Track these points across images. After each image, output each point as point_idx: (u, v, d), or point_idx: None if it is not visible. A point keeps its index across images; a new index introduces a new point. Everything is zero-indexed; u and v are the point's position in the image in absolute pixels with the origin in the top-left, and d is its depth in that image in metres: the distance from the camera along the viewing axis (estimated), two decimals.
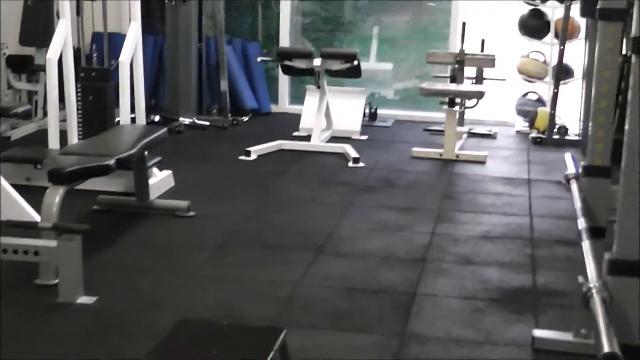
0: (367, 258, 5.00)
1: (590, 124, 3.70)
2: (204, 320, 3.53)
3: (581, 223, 3.41)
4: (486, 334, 4.06)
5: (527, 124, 8.48)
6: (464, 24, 8.33)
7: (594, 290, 2.62)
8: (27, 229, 4.38)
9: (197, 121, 8.50)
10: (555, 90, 8.02)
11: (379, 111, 8.99)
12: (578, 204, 3.57)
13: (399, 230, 5.52)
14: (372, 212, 5.89)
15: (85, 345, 3.82)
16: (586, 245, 3.16)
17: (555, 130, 8.06)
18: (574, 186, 3.80)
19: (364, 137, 8.20)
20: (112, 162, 4.69)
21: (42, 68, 7.04)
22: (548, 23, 8.59)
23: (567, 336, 3.90)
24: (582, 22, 8.14)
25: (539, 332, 3.98)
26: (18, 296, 4.29)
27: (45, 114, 6.06)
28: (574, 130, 8.02)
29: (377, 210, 5.95)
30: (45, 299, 4.25)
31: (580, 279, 2.74)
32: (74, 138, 6.06)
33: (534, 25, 8.64)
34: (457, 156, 7.39)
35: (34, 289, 4.37)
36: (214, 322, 3.52)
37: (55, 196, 4.40)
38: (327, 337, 3.97)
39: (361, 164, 7.05)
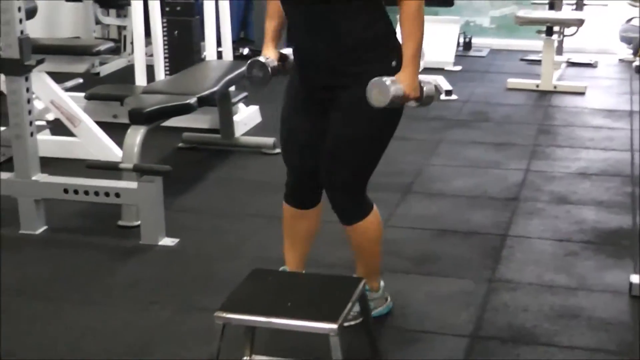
0: (457, 198, 4.83)
1: None
2: (280, 271, 3.42)
3: None
4: (580, 279, 3.86)
5: (630, 52, 8.08)
6: None
7: None
8: (110, 170, 4.32)
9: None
10: None
11: (473, 40, 8.70)
12: None
13: (491, 168, 5.32)
14: (464, 149, 5.69)
15: (165, 287, 3.77)
16: None
17: None
18: None
19: (458, 68, 7.95)
20: (193, 100, 4.59)
21: (129, 2, 6.97)
22: None
23: None
24: None
25: (637, 278, 3.75)
26: (101, 238, 4.27)
27: (134, 49, 5.97)
28: None
29: (469, 146, 5.75)
30: (128, 241, 4.21)
31: None
32: (160, 74, 5.99)
33: None
34: (555, 87, 7.11)
35: (116, 231, 4.34)
36: (290, 272, 3.41)
37: (136, 136, 4.33)
38: (413, 282, 3.83)
39: (454, 97, 6.82)
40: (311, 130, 3.20)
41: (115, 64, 7.73)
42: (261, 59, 3.20)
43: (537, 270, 3.94)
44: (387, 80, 2.91)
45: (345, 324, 2.70)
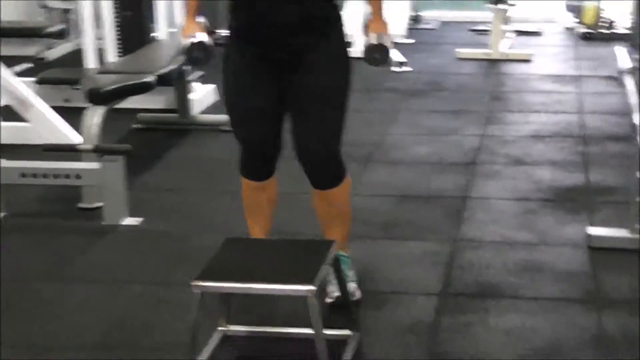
0: (417, 164, 4.90)
1: None
2: (253, 238, 3.46)
3: (637, 118, 3.27)
4: (540, 235, 3.96)
5: (576, 20, 8.21)
6: None
7: None
8: (67, 152, 4.29)
9: None
10: None
11: (424, 13, 8.78)
12: (633, 99, 3.41)
13: (448, 135, 5.41)
14: (421, 117, 5.77)
15: (135, 266, 3.79)
16: None
17: (604, 24, 7.81)
18: (628, 80, 3.64)
19: (410, 41, 8.01)
20: (152, 79, 4.59)
21: None
22: None
23: (622, 232, 3.79)
24: None
25: (593, 230, 3.87)
26: (62, 221, 4.26)
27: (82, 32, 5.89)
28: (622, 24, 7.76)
29: (426, 115, 5.83)
30: (91, 223, 4.21)
31: None
32: (111, 56, 5.94)
33: None
34: (504, 55, 7.20)
35: (77, 213, 4.33)
36: (263, 239, 3.45)
37: (95, 117, 4.32)
38: (381, 246, 3.90)
39: (408, 68, 6.88)
40: (265, 98, 3.19)
41: (62, 49, 7.62)
42: (200, 39, 3.20)
43: (499, 228, 4.04)
44: (375, 37, 3.16)
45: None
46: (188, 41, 3.20)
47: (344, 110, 3.22)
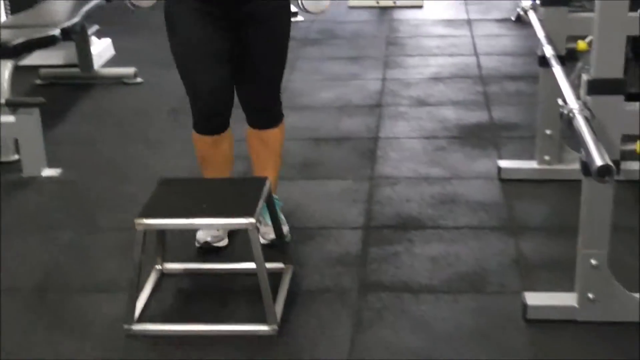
0: (324, 109, 5.02)
1: None
2: (188, 178, 3.53)
3: (548, 50, 3.44)
4: (453, 169, 4.14)
5: None
6: None
7: (575, 111, 2.67)
8: None
9: None
10: None
11: None
12: (541, 33, 3.59)
13: (350, 80, 5.53)
14: (321, 64, 5.87)
15: (63, 213, 3.82)
16: (558, 70, 3.19)
17: None
18: (532, 16, 3.82)
19: None
20: (57, 32, 4.56)
21: None
22: None
23: (531, 164, 3.99)
24: None
25: (504, 163, 4.07)
26: None
27: None
28: None
29: (326, 61, 5.93)
30: (9, 175, 4.19)
31: (560, 102, 2.77)
32: (2, 14, 5.84)
33: None
34: (394, 2, 7.34)
35: None
36: (197, 178, 3.52)
37: (5, 71, 4.29)
38: (301, 186, 4.01)
39: (300, 18, 6.96)
40: (219, 48, 3.20)
41: None
42: None
43: (412, 165, 4.20)
44: None
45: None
46: None
47: (285, 59, 3.35)
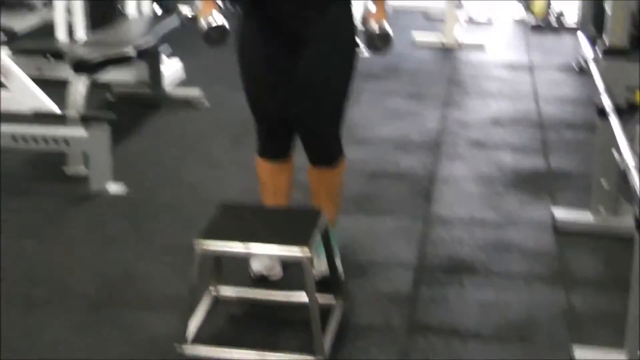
0: (383, 143, 5.10)
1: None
2: (246, 204, 3.63)
3: (606, 101, 3.49)
4: (507, 215, 4.19)
5: (525, 11, 8.42)
6: None
7: (630, 166, 2.71)
8: (53, 119, 4.40)
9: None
10: None
11: None
12: (600, 83, 3.64)
13: (410, 116, 5.61)
14: (382, 99, 5.97)
15: (120, 229, 3.95)
16: (615, 122, 3.24)
17: (553, 15, 8.10)
18: (592, 66, 3.87)
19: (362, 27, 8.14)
20: (133, 51, 4.72)
21: None
22: None
23: (586, 215, 4.03)
24: None
25: (558, 212, 4.11)
26: (49, 186, 4.39)
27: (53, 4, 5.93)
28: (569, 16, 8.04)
29: (387, 96, 6.03)
30: (76, 187, 4.35)
31: (616, 154, 2.82)
32: (80, 30, 5.99)
33: None
34: (458, 43, 7.42)
35: (62, 179, 4.46)
36: (255, 205, 3.62)
37: (80, 86, 4.44)
38: (356, 220, 4.09)
39: (364, 53, 7.03)
40: (280, 72, 3.26)
41: (28, 20, 7.61)
42: (218, 23, 3.24)
43: (467, 208, 4.26)
44: (377, 24, 3.33)
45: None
46: (206, 23, 3.23)
47: (346, 92, 3.37)
